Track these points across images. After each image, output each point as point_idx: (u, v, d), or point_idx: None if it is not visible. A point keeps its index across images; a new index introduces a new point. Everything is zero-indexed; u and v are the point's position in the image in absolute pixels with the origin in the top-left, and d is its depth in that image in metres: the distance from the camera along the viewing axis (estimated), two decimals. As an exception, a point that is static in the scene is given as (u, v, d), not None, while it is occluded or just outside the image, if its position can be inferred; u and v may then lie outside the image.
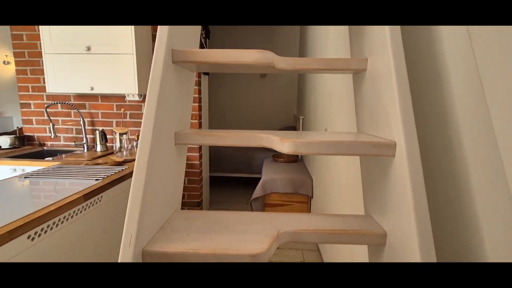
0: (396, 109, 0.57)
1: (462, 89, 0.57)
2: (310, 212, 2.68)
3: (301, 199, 2.67)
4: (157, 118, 0.60)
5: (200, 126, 2.39)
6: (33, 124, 2.34)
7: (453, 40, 0.61)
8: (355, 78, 0.84)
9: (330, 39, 1.96)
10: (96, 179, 1.36)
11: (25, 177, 1.37)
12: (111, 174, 1.45)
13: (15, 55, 2.26)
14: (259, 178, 2.92)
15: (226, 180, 4.09)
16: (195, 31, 0.89)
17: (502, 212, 0.47)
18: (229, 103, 4.68)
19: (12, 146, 2.20)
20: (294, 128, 4.05)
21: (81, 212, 1.18)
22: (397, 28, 0.63)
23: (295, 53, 4.41)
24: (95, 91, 1.96)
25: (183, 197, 2.41)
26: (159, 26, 0.68)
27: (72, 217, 1.13)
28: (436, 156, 0.67)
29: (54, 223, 1.03)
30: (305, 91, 3.33)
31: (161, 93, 0.62)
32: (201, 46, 2.54)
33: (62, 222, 1.07)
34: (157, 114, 0.60)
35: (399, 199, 0.57)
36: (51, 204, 1.04)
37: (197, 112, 2.29)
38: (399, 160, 0.56)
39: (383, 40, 0.64)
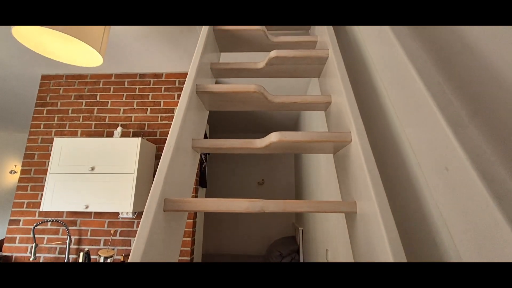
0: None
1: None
2: None
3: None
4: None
5: (193, 244, 2.25)
6: (15, 243, 2.20)
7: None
8: (348, 218, 0.84)
9: (322, 163, 2.11)
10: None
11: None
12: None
13: (22, 172, 2.36)
14: None
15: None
16: (193, 162, 0.95)
17: None
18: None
19: (-17, 270, 1.99)
20: (294, 238, 3.82)
21: None
22: (376, 174, 0.67)
23: (291, 171, 4.68)
24: (89, 209, 1.94)
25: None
26: (156, 175, 0.72)
27: None
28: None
29: None
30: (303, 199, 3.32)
31: (147, 247, 0.60)
32: (201, 162, 2.69)
33: None
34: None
35: None
36: None
37: (191, 229, 2.20)
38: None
39: (365, 187, 0.67)
